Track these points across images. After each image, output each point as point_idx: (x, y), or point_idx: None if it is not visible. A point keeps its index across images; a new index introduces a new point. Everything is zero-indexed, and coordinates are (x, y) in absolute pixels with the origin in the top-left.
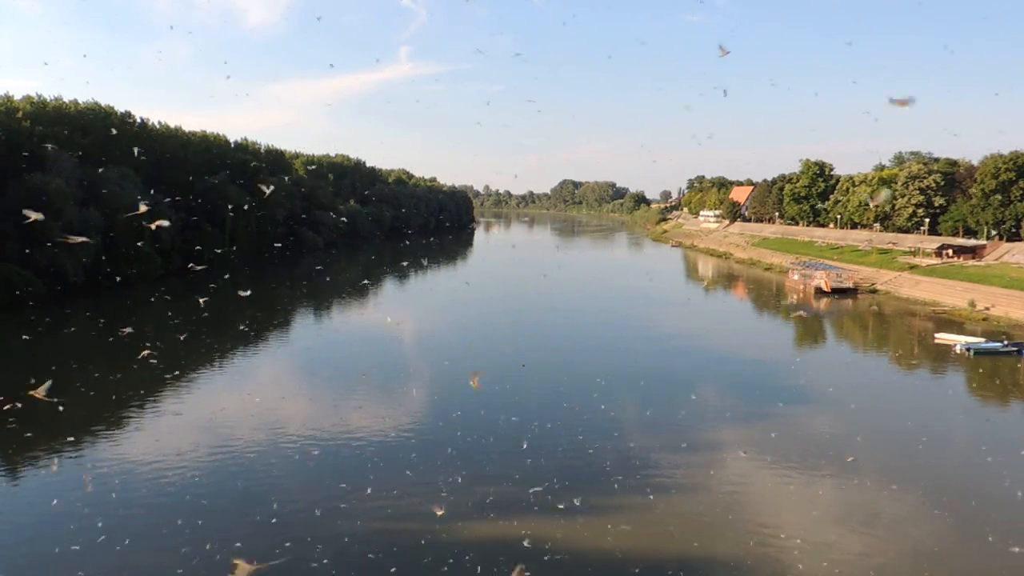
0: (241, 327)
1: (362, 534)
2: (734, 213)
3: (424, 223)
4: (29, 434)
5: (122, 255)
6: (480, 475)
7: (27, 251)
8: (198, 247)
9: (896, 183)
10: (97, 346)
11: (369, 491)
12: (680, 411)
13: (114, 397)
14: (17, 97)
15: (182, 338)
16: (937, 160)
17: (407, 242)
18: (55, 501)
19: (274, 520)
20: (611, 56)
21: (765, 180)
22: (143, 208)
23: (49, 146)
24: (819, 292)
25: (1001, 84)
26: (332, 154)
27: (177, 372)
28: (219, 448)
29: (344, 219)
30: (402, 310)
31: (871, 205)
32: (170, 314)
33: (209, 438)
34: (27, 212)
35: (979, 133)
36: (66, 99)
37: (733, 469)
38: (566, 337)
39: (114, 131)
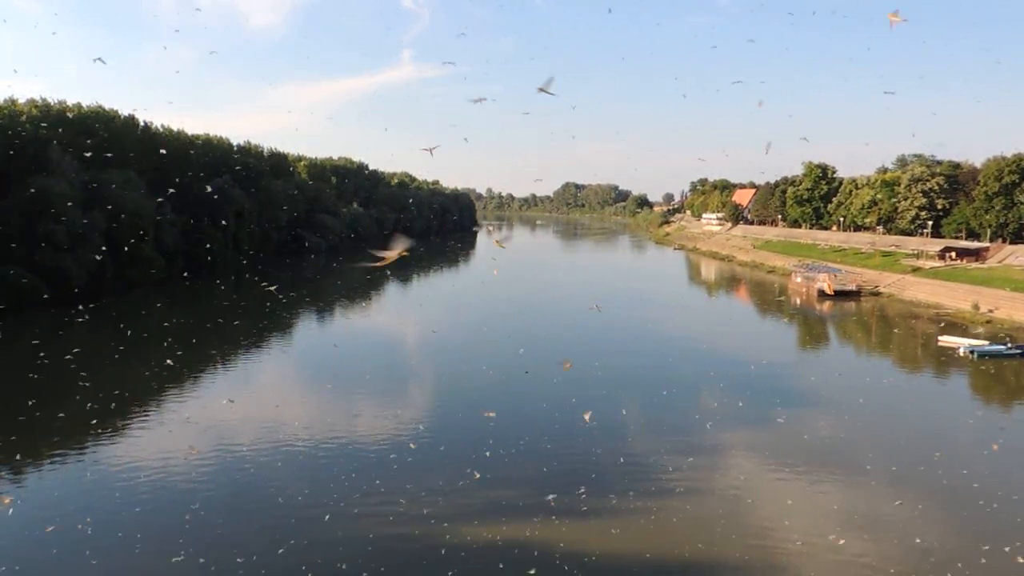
0: (243, 330)
1: (366, 536)
2: (737, 216)
3: (427, 226)
4: (33, 436)
5: (126, 258)
6: (483, 478)
7: (32, 254)
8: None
9: (899, 185)
10: (99, 349)
11: (373, 494)
12: (683, 414)
13: (116, 400)
14: (21, 100)
15: (183, 341)
16: (940, 162)
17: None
18: (59, 503)
19: (277, 522)
20: (612, 57)
21: (768, 183)
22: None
23: (53, 149)
24: (822, 295)
25: (1006, 85)
26: (335, 156)
27: (179, 375)
28: (222, 450)
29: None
30: (405, 314)
31: None
32: (171, 318)
33: (212, 441)
34: None
35: (982, 135)
36: (69, 102)
37: (737, 472)
38: (569, 340)
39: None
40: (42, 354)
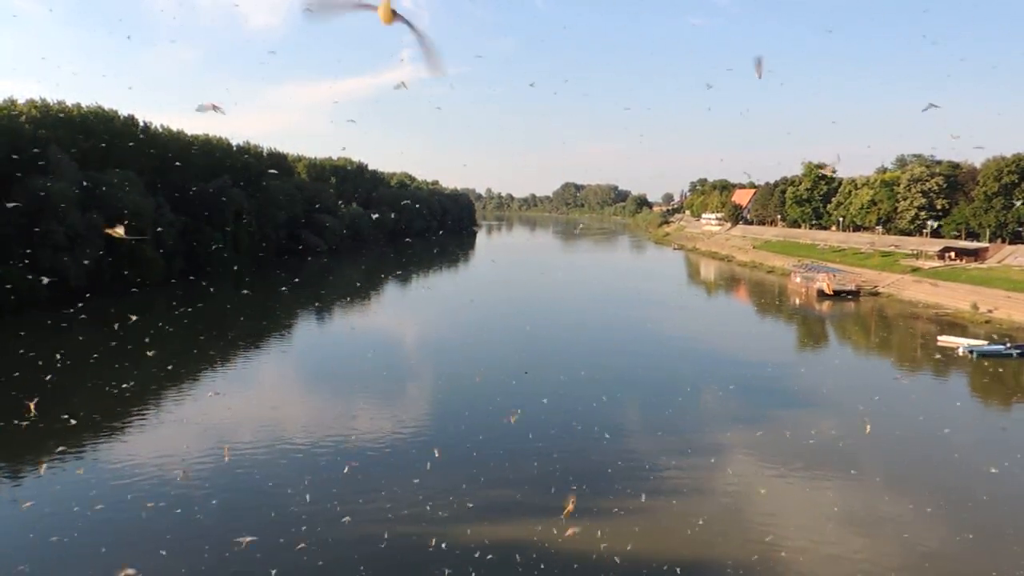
0: (242, 331)
1: (365, 536)
2: (736, 216)
3: (426, 226)
4: (31, 437)
5: (124, 259)
6: (483, 479)
7: (30, 254)
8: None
9: (898, 185)
10: (98, 350)
11: (372, 494)
12: (683, 414)
13: (114, 400)
14: (20, 101)
15: (183, 342)
16: (939, 163)
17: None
18: (56, 503)
19: (275, 522)
20: (612, 57)
21: (767, 183)
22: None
23: (52, 149)
24: (821, 295)
25: (1006, 84)
26: (334, 157)
27: (178, 376)
28: (221, 451)
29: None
30: (405, 314)
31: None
32: (171, 319)
33: (212, 441)
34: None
35: (980, 135)
36: (69, 103)
37: (736, 472)
38: (569, 340)
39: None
40: (33, 354)
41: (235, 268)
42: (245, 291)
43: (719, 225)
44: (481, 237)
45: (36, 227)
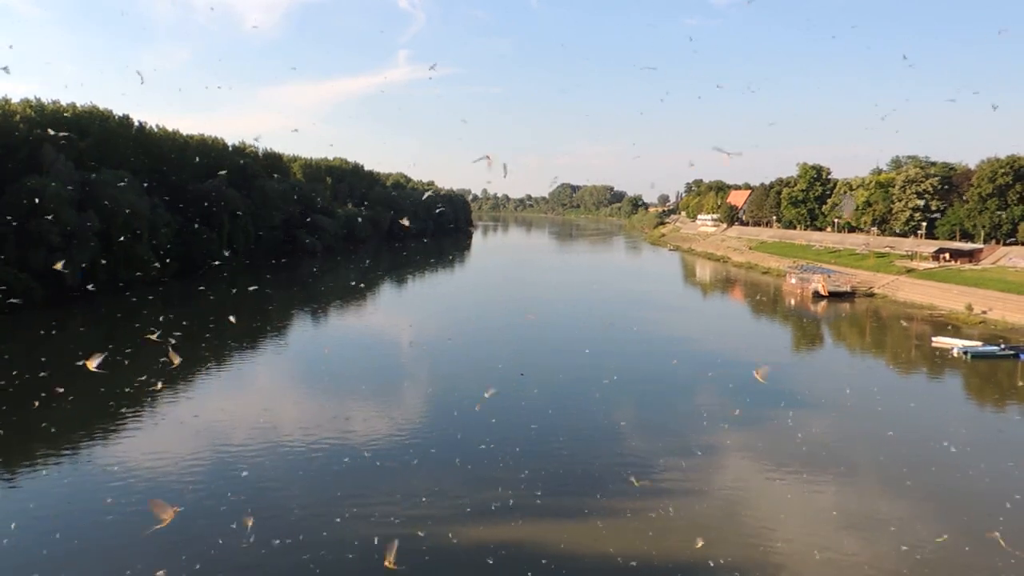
0: (239, 331)
1: (359, 537)
2: (732, 217)
3: (422, 227)
4: (27, 436)
5: (119, 259)
6: (480, 480)
7: (25, 254)
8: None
9: (894, 187)
10: (91, 349)
11: (366, 495)
12: (679, 415)
13: (108, 401)
14: (15, 100)
15: (178, 342)
16: (934, 164)
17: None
18: (52, 504)
19: (270, 523)
20: (608, 58)
21: (763, 184)
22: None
23: (47, 149)
24: (817, 296)
25: (1002, 86)
26: (330, 157)
27: (172, 376)
28: (217, 452)
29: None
30: (400, 314)
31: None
32: (166, 318)
33: (207, 442)
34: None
35: (977, 136)
36: (64, 102)
37: (733, 473)
38: (564, 341)
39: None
40: (29, 354)
41: (229, 269)
42: (245, 285)
43: (715, 226)
44: (477, 238)
45: (30, 227)
